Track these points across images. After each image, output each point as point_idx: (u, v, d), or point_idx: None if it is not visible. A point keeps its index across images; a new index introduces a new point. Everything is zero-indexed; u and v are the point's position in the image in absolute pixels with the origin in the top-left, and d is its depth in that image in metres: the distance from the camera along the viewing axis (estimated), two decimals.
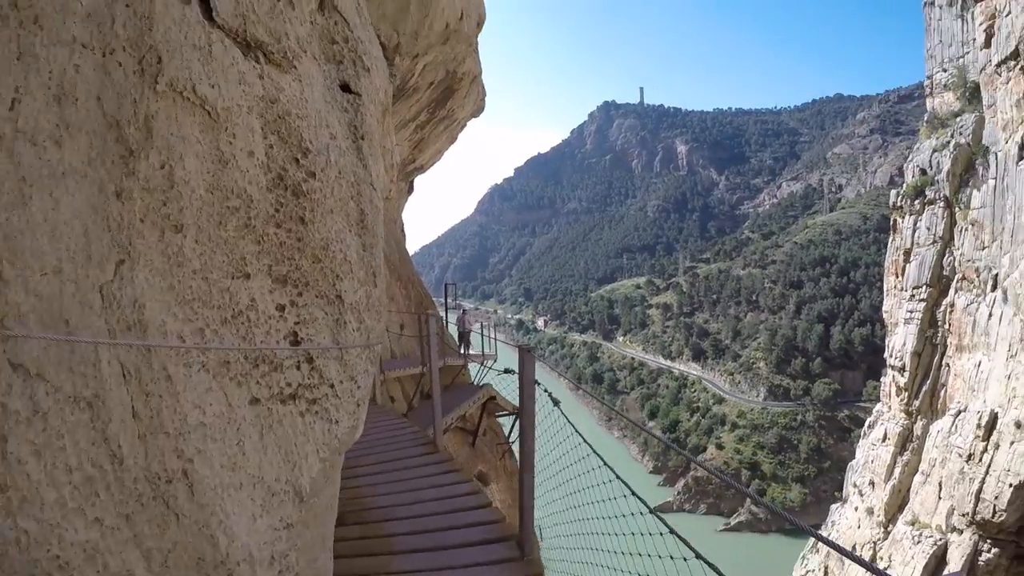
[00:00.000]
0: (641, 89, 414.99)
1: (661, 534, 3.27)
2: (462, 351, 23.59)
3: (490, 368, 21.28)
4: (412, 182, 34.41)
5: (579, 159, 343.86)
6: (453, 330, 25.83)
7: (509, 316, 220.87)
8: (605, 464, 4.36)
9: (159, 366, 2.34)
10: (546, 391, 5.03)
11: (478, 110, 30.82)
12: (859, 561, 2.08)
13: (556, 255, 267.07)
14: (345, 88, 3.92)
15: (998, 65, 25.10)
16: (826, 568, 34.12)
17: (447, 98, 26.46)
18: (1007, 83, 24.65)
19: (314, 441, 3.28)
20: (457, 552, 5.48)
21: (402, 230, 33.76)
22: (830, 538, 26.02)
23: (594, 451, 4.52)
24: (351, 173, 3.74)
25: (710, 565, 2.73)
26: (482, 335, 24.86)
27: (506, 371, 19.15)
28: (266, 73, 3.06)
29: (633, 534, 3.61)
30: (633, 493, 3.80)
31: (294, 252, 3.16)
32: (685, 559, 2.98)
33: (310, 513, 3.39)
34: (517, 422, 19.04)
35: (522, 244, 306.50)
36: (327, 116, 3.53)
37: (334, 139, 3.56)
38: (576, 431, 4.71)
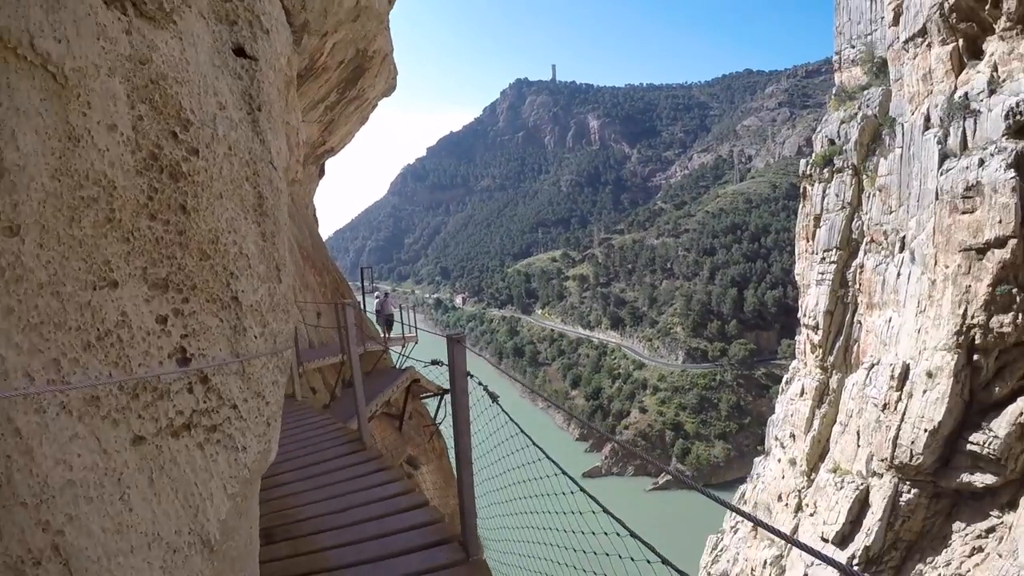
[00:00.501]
0: (553, 66, 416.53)
1: (593, 512, 3.17)
2: (385, 335, 23.26)
3: (408, 355, 20.60)
4: (323, 165, 33.53)
5: (492, 137, 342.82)
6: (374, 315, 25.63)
7: (427, 296, 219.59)
8: (549, 458, 3.92)
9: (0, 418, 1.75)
10: (480, 384, 4.58)
11: (389, 89, 29.98)
12: (762, 524, 2.24)
13: (471, 233, 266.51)
14: (239, 52, 3.32)
15: (905, 42, 26.12)
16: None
17: (357, 77, 25.79)
18: (914, 59, 25.67)
19: (219, 476, 2.76)
20: (397, 562, 4.99)
21: (314, 215, 32.77)
22: (756, 489, 26.94)
23: (537, 446, 4.06)
24: (245, 150, 3.17)
25: (640, 540, 2.74)
26: (402, 321, 24.49)
27: (434, 363, 18.56)
28: (135, 27, 2.42)
29: (567, 512, 3.59)
30: (582, 490, 3.45)
31: (175, 249, 2.57)
32: (619, 535, 2.91)
33: (225, 561, 2.86)
34: (443, 402, 20.12)
35: (437, 223, 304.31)
36: (215, 82, 2.91)
37: (223, 109, 2.95)
38: (521, 430, 4.24)
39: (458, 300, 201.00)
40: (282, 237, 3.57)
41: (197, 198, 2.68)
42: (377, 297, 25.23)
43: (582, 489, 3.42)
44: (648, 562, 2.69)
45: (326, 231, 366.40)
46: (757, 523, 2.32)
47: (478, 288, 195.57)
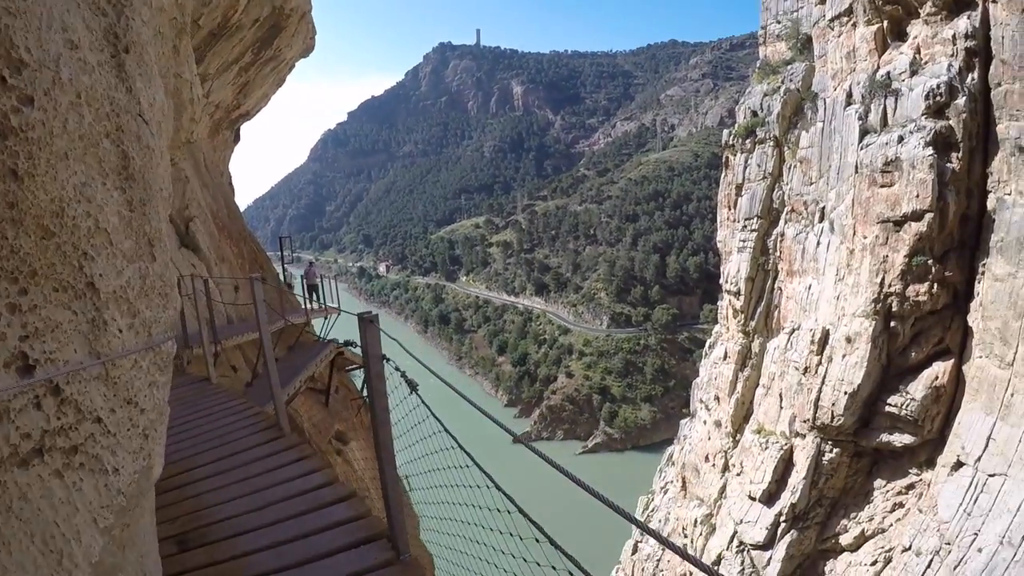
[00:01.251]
0: (478, 31, 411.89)
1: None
2: (313, 305, 23.24)
3: (332, 327, 20.82)
4: (238, 130, 32.34)
5: (414, 102, 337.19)
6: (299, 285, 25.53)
7: (350, 264, 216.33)
8: (477, 465, 3.62)
9: None
10: (398, 369, 4.18)
11: (307, 49, 29.07)
12: (674, 549, 2.24)
13: (394, 200, 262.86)
14: None
15: (831, 20, 26.62)
16: (683, 479, 35.97)
17: (274, 36, 24.89)
18: (839, 36, 26.13)
19: (86, 508, 2.29)
20: (323, 564, 4.50)
21: (230, 183, 31.55)
22: (684, 451, 27.31)
23: (462, 448, 3.69)
24: (105, 99, 2.56)
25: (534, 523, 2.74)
26: (321, 289, 25.00)
27: (347, 344, 18.09)
28: None
29: (490, 509, 3.45)
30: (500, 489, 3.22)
31: (4, 226, 2.03)
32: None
33: None
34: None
35: (359, 190, 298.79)
36: (64, 16, 2.28)
37: (75, 49, 2.31)
38: (444, 429, 3.81)
39: (382, 268, 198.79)
40: (156, 206, 3.01)
41: (33, 159, 2.09)
42: (303, 267, 25.77)
43: (500, 489, 3.26)
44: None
45: (244, 200, 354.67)
46: (661, 540, 2.31)
47: (402, 256, 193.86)
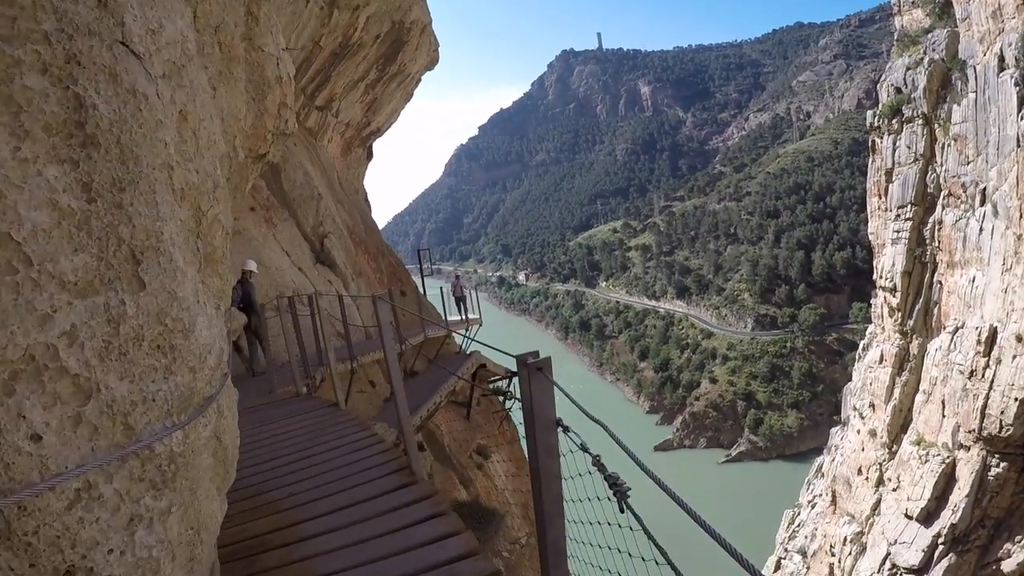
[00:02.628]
0: (599, 34, 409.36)
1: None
2: (462, 317, 23.84)
3: (473, 337, 20.05)
4: (370, 147, 33.03)
5: (543, 111, 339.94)
6: (435, 298, 25.36)
7: (490, 275, 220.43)
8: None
9: None
10: (574, 438, 2.96)
11: (432, 62, 29.32)
12: None
13: (530, 208, 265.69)
14: None
15: None
16: (833, 492, 33.80)
17: (397, 52, 25.36)
18: None
19: None
20: None
21: (366, 199, 32.28)
22: (835, 462, 25.56)
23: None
24: (40, 6, 1.80)
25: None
26: (467, 301, 25.04)
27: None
28: None
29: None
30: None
31: None
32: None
33: None
34: (512, 384, 18.79)
35: (495, 201, 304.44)
36: None
37: None
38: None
39: (521, 277, 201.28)
40: (157, 197, 2.17)
41: None
42: (448, 280, 25.99)
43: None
44: None
45: (384, 216, 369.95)
46: None
47: (540, 263, 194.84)
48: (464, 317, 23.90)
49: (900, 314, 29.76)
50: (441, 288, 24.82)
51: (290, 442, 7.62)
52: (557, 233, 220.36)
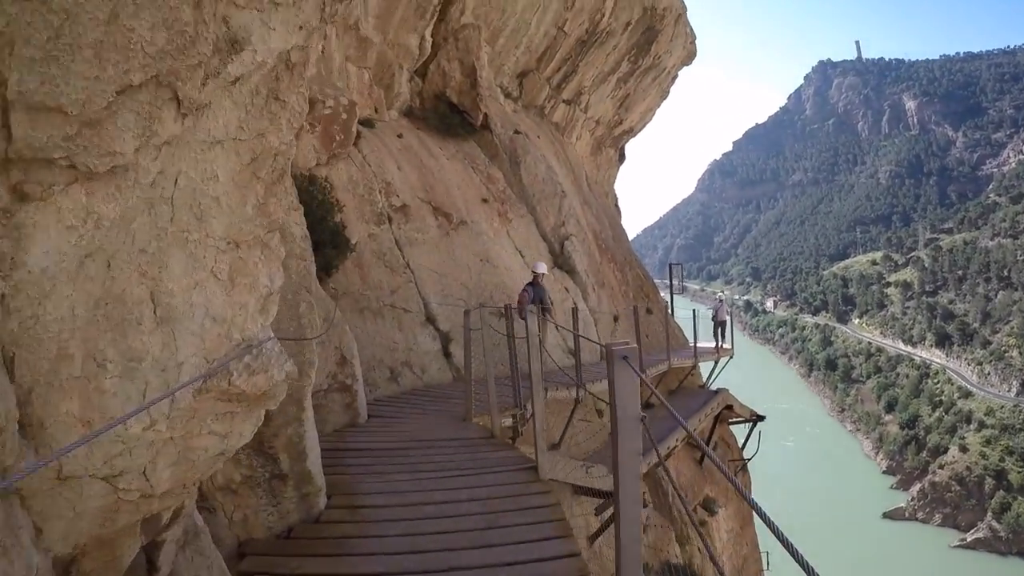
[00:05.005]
0: (857, 43, 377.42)
1: None
2: (717, 344, 21.44)
3: (723, 368, 19.30)
4: (622, 149, 31.25)
5: (799, 126, 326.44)
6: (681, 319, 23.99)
7: (736, 297, 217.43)
8: None
9: None
10: None
11: (688, 56, 27.22)
12: None
13: (783, 231, 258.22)
14: None
15: None
16: None
17: (650, 42, 23.89)
18: None
19: None
20: None
21: (616, 205, 30.33)
22: None
23: None
24: None
25: None
26: (720, 328, 21.97)
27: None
28: None
29: None
30: None
31: None
32: None
33: None
34: (754, 430, 18.49)
35: (747, 221, 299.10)
36: None
37: None
38: None
39: (769, 303, 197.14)
40: None
41: None
42: (716, 303, 23.48)
43: None
44: None
45: (633, 228, 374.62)
46: None
47: (791, 291, 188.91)
48: (718, 345, 21.39)
49: None
50: (694, 311, 22.34)
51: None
52: (811, 260, 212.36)
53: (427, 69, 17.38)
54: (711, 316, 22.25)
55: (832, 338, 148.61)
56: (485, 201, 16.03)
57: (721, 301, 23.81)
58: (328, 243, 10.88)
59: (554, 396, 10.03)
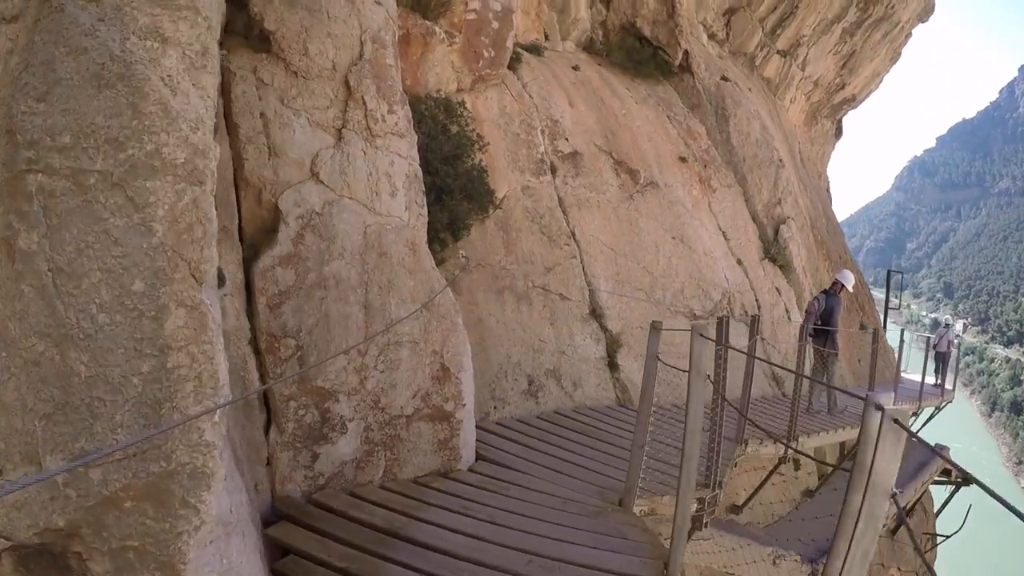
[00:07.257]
0: None
1: None
2: (939, 383, 17.56)
3: (936, 414, 16.03)
4: (840, 121, 26.35)
5: (1011, 125, 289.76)
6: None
7: (924, 313, 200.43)
8: None
9: None
10: None
11: (926, 11, 22.75)
12: None
13: (984, 246, 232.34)
14: None
15: None
16: None
17: None
18: None
19: None
20: None
21: (828, 189, 25.68)
22: None
23: None
24: None
25: None
26: (942, 362, 18.43)
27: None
28: None
29: None
30: None
31: None
32: None
33: None
34: (957, 494, 14.35)
35: (944, 229, 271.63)
36: None
37: None
38: None
39: (958, 326, 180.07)
40: None
41: None
42: (940, 330, 20.09)
43: None
44: None
45: None
46: None
47: (984, 316, 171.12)
48: (940, 383, 17.49)
49: None
50: (902, 332, 18.92)
51: None
52: (1011, 282, 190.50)
53: None
54: (931, 344, 17.11)
55: (1023, 377, 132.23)
56: (683, 160, 12.23)
57: (947, 327, 20.52)
58: (460, 191, 7.63)
59: (755, 450, 7.49)
